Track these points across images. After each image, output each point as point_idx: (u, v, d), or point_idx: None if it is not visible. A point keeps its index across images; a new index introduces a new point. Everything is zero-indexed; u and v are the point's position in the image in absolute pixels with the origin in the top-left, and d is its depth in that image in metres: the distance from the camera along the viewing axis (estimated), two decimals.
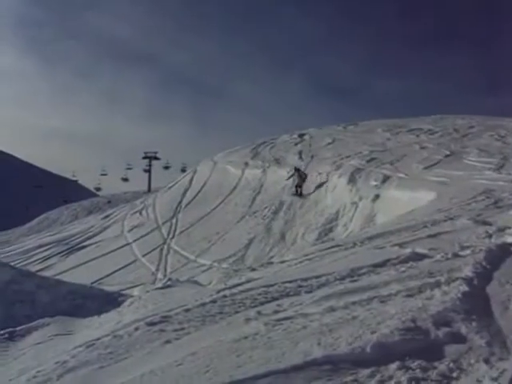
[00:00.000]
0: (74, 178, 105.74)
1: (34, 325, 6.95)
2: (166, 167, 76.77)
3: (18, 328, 6.88)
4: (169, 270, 20.53)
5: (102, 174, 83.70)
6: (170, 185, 36.40)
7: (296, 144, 34.39)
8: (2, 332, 6.66)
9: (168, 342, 5.02)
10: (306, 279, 6.50)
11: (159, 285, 8.64)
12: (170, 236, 25.10)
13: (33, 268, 21.84)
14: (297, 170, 24.72)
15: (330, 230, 19.66)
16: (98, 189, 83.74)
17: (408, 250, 7.26)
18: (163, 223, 27.07)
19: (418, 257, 6.91)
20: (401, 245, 7.86)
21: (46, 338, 6.37)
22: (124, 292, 13.48)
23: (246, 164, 31.65)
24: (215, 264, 19.41)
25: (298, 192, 23.84)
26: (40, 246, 30.22)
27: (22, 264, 24.68)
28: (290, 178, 24.97)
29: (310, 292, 5.96)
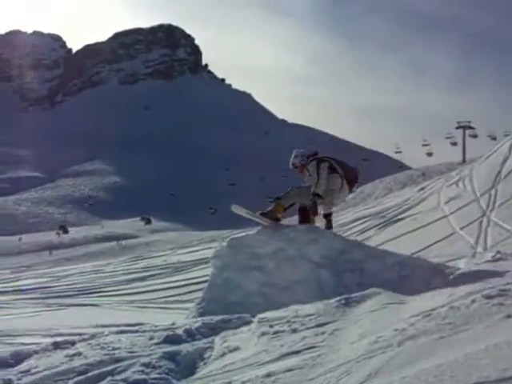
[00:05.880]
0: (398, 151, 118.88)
1: (367, 293, 7.25)
2: (492, 138, 74.34)
3: (352, 295, 7.24)
4: (489, 243, 19.69)
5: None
6: (487, 154, 34.87)
7: None
8: (339, 298, 7.09)
9: (509, 316, 4.86)
10: None
11: (488, 258, 8.38)
12: (490, 208, 24.06)
13: None
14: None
15: None
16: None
17: None
18: (481, 195, 26.05)
19: None
20: None
21: (379, 305, 6.60)
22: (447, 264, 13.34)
23: None
24: None
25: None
26: (357, 219, 31.42)
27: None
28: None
29: None
